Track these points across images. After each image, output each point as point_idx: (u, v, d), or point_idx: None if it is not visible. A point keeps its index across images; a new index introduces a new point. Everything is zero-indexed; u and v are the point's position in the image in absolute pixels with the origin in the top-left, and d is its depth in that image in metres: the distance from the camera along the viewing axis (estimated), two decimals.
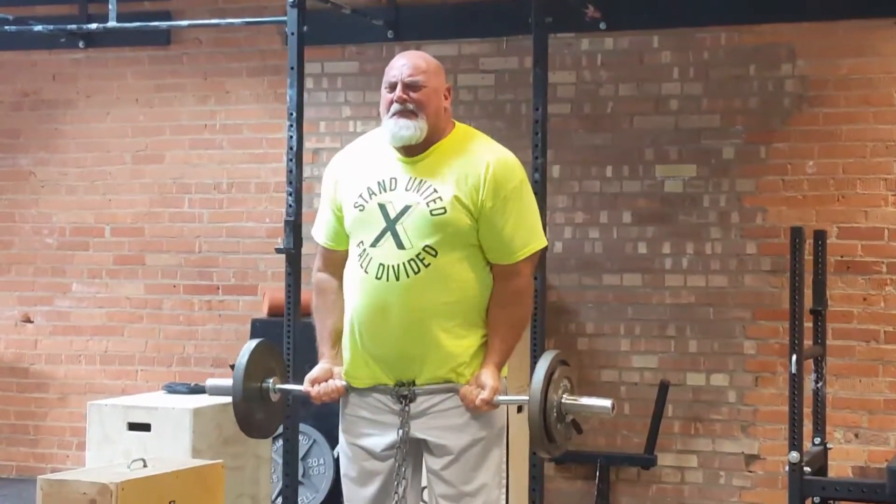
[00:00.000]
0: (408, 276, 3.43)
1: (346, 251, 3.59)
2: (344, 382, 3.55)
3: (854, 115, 6.68)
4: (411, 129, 3.48)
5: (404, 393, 3.47)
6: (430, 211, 3.44)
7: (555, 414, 3.36)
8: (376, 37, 7.35)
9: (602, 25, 6.98)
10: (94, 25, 7.18)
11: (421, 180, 3.48)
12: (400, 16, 7.33)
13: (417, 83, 3.50)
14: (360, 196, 3.52)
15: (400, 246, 3.44)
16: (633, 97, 7.01)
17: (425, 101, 3.49)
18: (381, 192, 3.49)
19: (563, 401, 3.39)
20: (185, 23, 7.34)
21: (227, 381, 3.64)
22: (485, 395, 3.43)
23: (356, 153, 3.65)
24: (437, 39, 7.19)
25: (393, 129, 3.49)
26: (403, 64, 3.54)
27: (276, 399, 3.70)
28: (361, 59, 7.49)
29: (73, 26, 7.49)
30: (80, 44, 7.89)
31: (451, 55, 7.21)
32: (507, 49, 7.22)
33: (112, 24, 6.70)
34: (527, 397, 3.35)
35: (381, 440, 3.51)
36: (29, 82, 8.09)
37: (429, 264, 3.43)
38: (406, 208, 3.46)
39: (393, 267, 3.43)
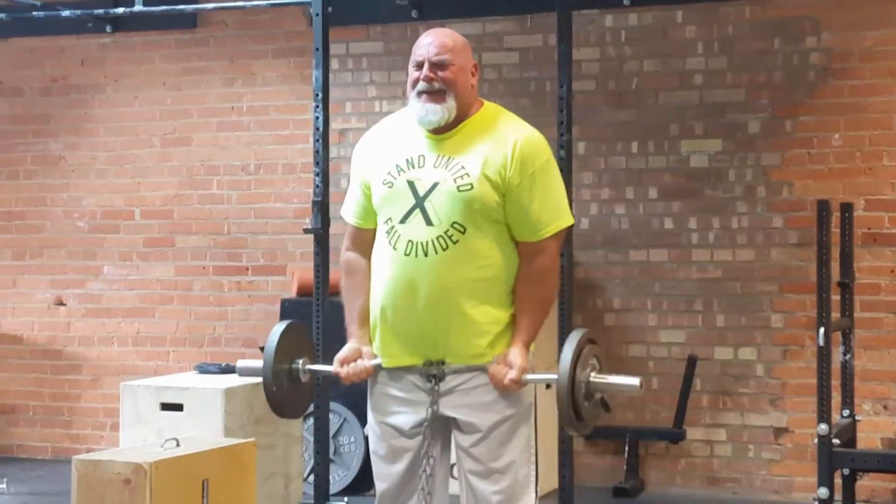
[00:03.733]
0: (436, 252, 3.44)
1: (375, 230, 3.60)
2: (373, 362, 3.57)
3: (880, 86, 6.66)
4: (439, 114, 3.49)
5: (433, 372, 3.49)
6: (458, 188, 3.45)
7: (583, 392, 3.36)
8: (401, 16, 7.37)
9: (626, 2, 6.98)
10: (121, 10, 7.22)
11: (449, 157, 3.50)
12: None
13: (445, 62, 3.50)
14: (389, 173, 3.53)
15: (429, 222, 3.45)
16: (658, 73, 7.02)
17: (453, 79, 3.49)
18: (409, 169, 3.50)
19: (591, 379, 3.38)
20: (210, 6, 7.37)
21: (258, 363, 3.66)
22: (513, 374, 3.44)
23: (384, 132, 3.66)
24: (461, 18, 7.20)
25: (420, 112, 3.50)
26: (430, 42, 3.54)
27: (306, 380, 3.73)
28: (386, 39, 7.51)
29: (101, 11, 7.55)
30: (108, 28, 7.94)
31: (476, 34, 7.22)
32: (532, 26, 7.22)
33: (139, 7, 6.75)
34: (555, 375, 3.36)
35: (409, 418, 3.52)
36: (57, 68, 8.14)
37: (457, 241, 3.44)
38: (434, 185, 3.47)
39: (422, 243, 3.45)
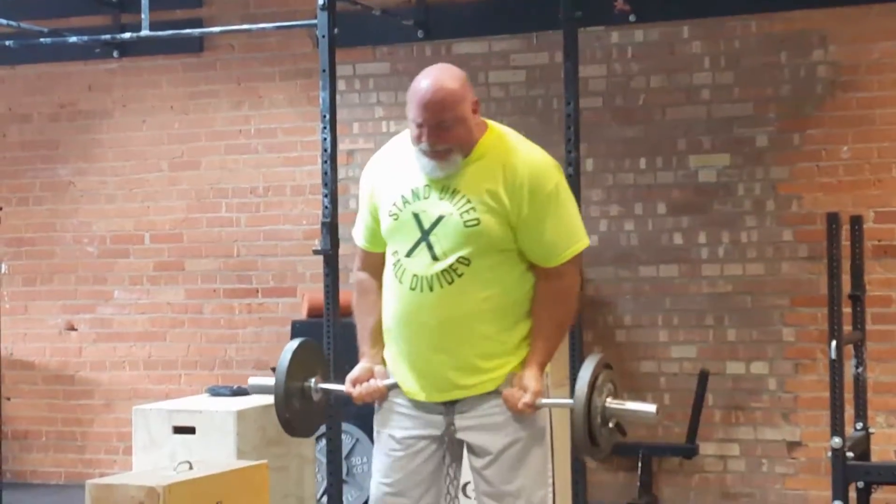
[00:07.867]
0: (441, 286, 3.42)
1: (383, 254, 3.60)
2: (385, 382, 3.56)
3: (888, 98, 6.66)
4: (444, 170, 3.44)
5: (443, 412, 3.50)
6: (464, 223, 3.42)
7: (599, 419, 3.33)
8: (407, 37, 7.38)
9: (631, 18, 6.99)
10: (127, 35, 7.24)
11: (454, 190, 3.45)
12: (430, 15, 7.36)
13: (444, 123, 3.40)
14: (395, 204, 3.50)
15: (434, 257, 3.43)
16: (665, 88, 7.02)
17: (454, 136, 3.41)
18: (414, 201, 3.47)
19: (607, 405, 3.35)
20: (217, 29, 7.39)
21: (270, 380, 3.65)
22: (527, 398, 3.42)
23: (391, 157, 3.61)
24: (467, 37, 7.22)
25: (427, 168, 3.45)
26: (426, 102, 3.39)
27: (318, 398, 3.72)
28: (392, 59, 7.53)
29: (107, 36, 7.56)
30: (115, 53, 7.97)
31: (482, 52, 7.25)
32: (538, 44, 7.23)
33: (145, 33, 6.75)
34: (570, 400, 3.33)
35: (413, 431, 3.52)
36: (65, 94, 8.17)
37: (462, 274, 3.42)
38: (440, 219, 3.44)
39: (426, 278, 3.43)
